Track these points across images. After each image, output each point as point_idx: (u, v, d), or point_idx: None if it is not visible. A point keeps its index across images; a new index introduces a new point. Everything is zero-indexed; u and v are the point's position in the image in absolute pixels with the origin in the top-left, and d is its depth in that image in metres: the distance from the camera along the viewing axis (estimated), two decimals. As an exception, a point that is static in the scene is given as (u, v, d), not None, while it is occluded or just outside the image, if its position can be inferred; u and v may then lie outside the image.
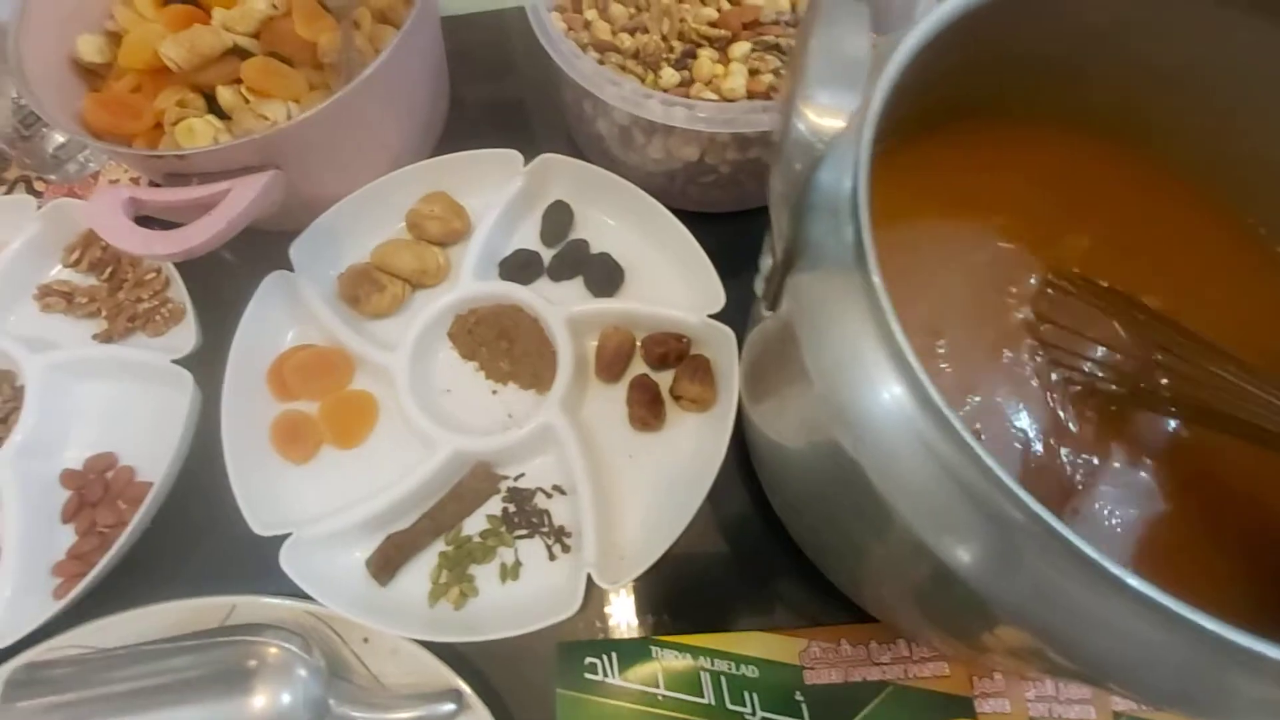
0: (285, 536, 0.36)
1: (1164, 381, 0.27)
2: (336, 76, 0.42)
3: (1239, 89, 0.27)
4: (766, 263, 0.25)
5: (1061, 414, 0.28)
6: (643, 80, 0.39)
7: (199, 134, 0.38)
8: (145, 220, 0.36)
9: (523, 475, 0.40)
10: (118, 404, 0.42)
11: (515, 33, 0.56)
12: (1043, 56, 0.28)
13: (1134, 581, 0.15)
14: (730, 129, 0.37)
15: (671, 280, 0.44)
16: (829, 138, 0.20)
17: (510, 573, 0.38)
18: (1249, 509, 0.27)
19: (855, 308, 0.19)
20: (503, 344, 0.42)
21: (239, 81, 0.41)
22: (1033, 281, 0.30)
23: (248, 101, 0.40)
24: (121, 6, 0.42)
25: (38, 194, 0.49)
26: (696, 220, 0.42)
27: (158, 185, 0.37)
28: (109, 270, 0.45)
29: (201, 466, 0.39)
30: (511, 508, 0.39)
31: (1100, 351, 0.28)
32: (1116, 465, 0.27)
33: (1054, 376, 0.28)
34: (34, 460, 0.39)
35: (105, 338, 0.43)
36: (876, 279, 0.18)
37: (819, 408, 0.21)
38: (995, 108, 0.30)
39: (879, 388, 0.18)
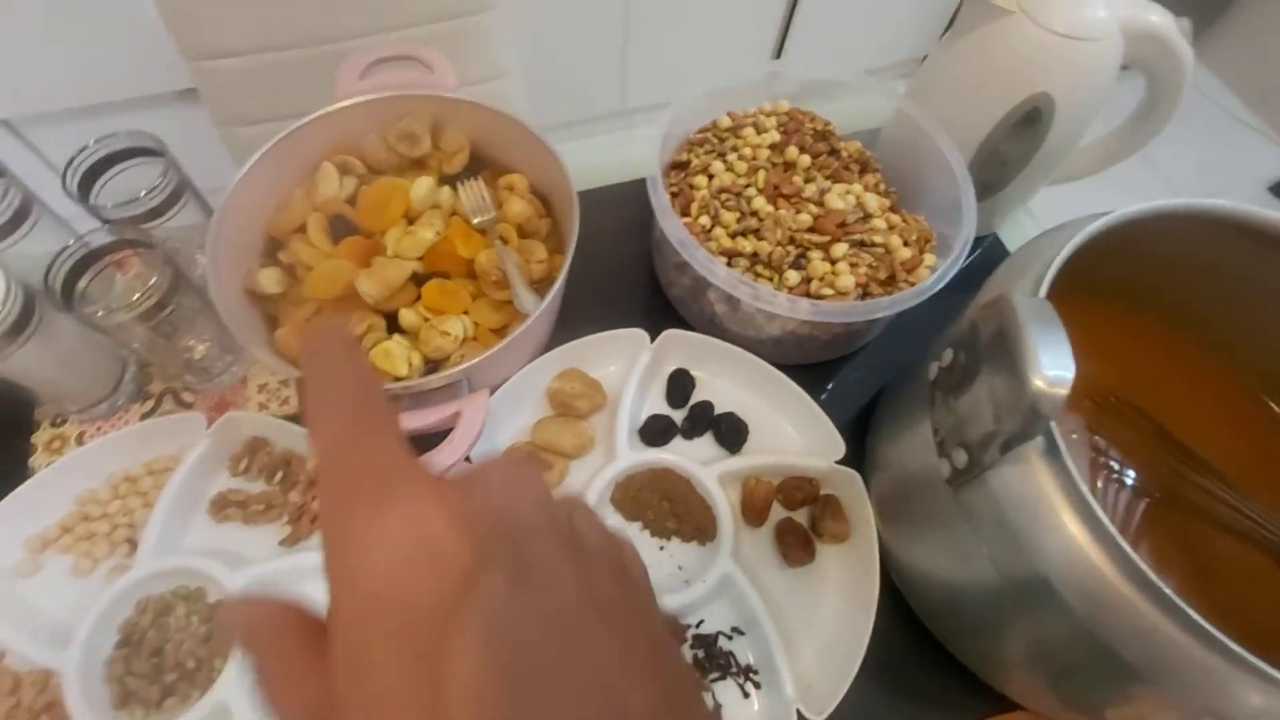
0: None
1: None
2: (498, 288, 0.48)
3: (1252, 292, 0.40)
4: (961, 456, 0.34)
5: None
6: (771, 281, 0.48)
7: (395, 356, 0.43)
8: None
9: (703, 621, 0.46)
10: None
11: (596, 212, 0.60)
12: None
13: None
14: (846, 319, 0.46)
15: (788, 430, 0.52)
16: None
17: (714, 717, 0.43)
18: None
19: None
20: (665, 504, 0.48)
21: (416, 300, 0.46)
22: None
23: (427, 320, 0.46)
24: (298, 242, 0.47)
25: (186, 404, 0.51)
26: (792, 370, 0.51)
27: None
28: (279, 474, 0.48)
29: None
30: (701, 654, 0.45)
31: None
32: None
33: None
34: (251, 677, 0.41)
35: (292, 541, 0.45)
36: (1073, 470, 0.29)
37: (1010, 545, 0.31)
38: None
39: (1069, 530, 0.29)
